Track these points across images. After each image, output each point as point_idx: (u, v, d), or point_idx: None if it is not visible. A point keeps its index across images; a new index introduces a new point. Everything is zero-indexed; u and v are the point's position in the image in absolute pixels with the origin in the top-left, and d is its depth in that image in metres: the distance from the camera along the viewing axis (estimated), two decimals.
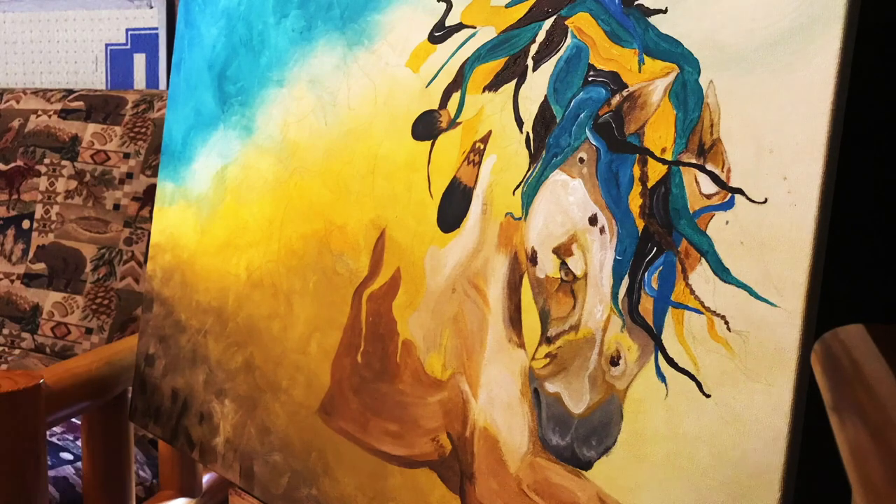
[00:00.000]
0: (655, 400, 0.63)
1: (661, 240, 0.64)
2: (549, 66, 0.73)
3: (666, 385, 0.63)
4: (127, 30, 1.69)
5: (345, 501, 0.90)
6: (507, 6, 0.78)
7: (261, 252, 1.03)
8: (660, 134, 0.64)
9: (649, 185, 0.65)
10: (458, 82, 0.82)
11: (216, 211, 1.11)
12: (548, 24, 0.74)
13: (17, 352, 1.60)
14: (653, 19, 0.66)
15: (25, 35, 1.78)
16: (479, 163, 0.79)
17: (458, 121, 0.82)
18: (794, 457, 0.55)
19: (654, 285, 0.64)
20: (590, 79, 0.70)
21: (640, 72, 0.66)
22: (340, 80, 0.94)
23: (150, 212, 1.29)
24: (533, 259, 0.74)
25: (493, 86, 0.78)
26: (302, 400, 0.96)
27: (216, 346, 1.08)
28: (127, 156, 1.54)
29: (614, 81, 0.68)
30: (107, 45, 1.72)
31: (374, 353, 0.88)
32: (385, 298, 0.88)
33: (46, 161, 1.59)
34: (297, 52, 1.00)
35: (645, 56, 0.66)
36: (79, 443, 1.87)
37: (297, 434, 0.96)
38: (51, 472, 1.78)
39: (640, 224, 0.65)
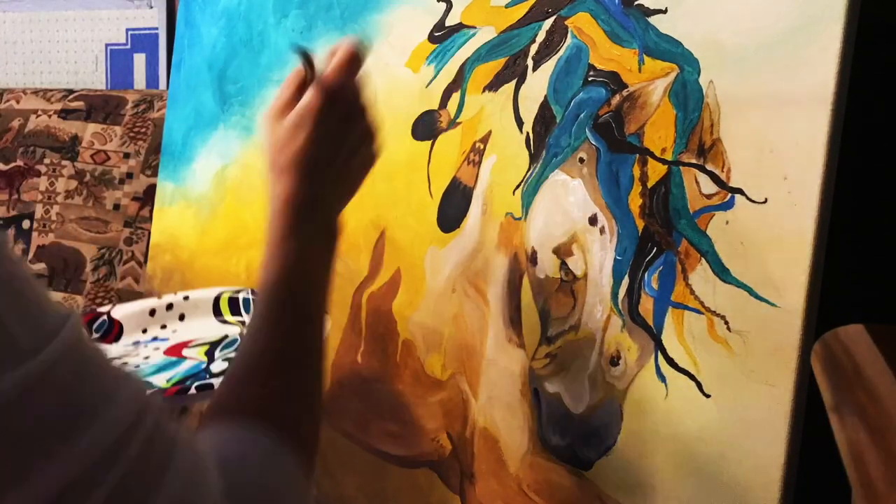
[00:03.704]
0: (655, 400, 0.63)
1: (661, 240, 0.64)
2: (549, 66, 0.73)
3: (666, 385, 0.63)
4: (127, 30, 1.69)
5: (345, 501, 0.90)
6: (507, 6, 0.77)
7: (261, 252, 1.03)
8: (660, 134, 0.64)
9: (649, 185, 0.65)
10: (458, 82, 0.82)
11: (216, 211, 1.11)
12: (548, 24, 0.74)
13: None
14: (653, 19, 0.65)
15: (25, 35, 1.78)
16: (479, 163, 0.79)
17: (458, 121, 0.82)
18: (794, 457, 0.55)
19: (654, 285, 0.64)
20: (590, 79, 0.70)
21: (640, 72, 0.66)
22: None
23: (150, 212, 1.29)
24: (533, 259, 0.74)
25: (493, 86, 0.78)
26: None
27: None
28: (127, 156, 1.54)
29: (614, 81, 0.68)
30: (107, 45, 1.71)
31: (374, 354, 0.88)
32: (385, 298, 0.88)
33: (46, 161, 1.59)
34: None
35: (645, 56, 0.66)
36: None
37: None
38: None
39: (640, 224, 0.65)
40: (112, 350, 0.92)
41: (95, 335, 0.93)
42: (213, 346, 0.84)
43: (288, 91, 0.62)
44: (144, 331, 0.93)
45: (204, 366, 0.86)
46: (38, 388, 0.40)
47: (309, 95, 0.60)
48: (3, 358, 0.39)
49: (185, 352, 0.89)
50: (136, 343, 0.94)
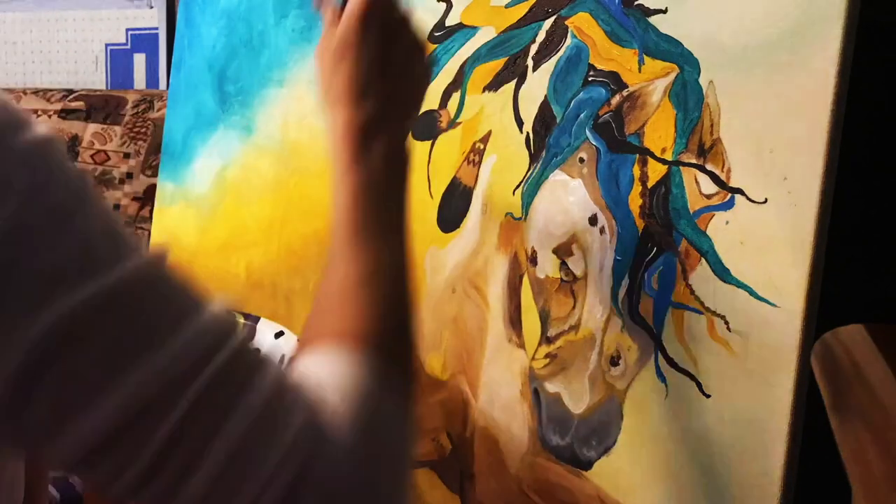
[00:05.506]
0: (655, 400, 0.63)
1: (661, 240, 0.64)
2: (549, 66, 0.73)
3: (666, 385, 0.63)
4: (127, 30, 1.69)
5: None
6: (507, 6, 0.77)
7: (261, 252, 1.03)
8: (660, 134, 0.64)
9: (649, 185, 0.65)
10: (458, 82, 0.82)
11: (216, 211, 1.11)
12: (548, 24, 0.74)
13: None
14: (653, 19, 0.65)
15: (25, 35, 1.78)
16: (479, 163, 0.79)
17: (457, 121, 0.82)
18: (794, 457, 0.55)
19: (654, 285, 0.64)
20: (590, 79, 0.70)
21: (640, 72, 0.66)
22: None
23: (150, 212, 1.29)
24: (533, 259, 0.74)
25: (493, 86, 0.78)
26: None
27: None
28: (127, 156, 1.54)
29: (614, 81, 0.68)
30: (107, 45, 1.71)
31: None
32: None
33: None
34: (297, 52, 1.00)
35: (645, 56, 0.66)
36: None
37: None
38: (51, 472, 1.78)
39: (640, 224, 0.65)
40: None
41: None
42: None
43: (328, 28, 0.61)
44: None
45: None
46: (132, 291, 0.42)
47: (342, 25, 0.60)
48: (90, 268, 0.41)
49: None
50: None
